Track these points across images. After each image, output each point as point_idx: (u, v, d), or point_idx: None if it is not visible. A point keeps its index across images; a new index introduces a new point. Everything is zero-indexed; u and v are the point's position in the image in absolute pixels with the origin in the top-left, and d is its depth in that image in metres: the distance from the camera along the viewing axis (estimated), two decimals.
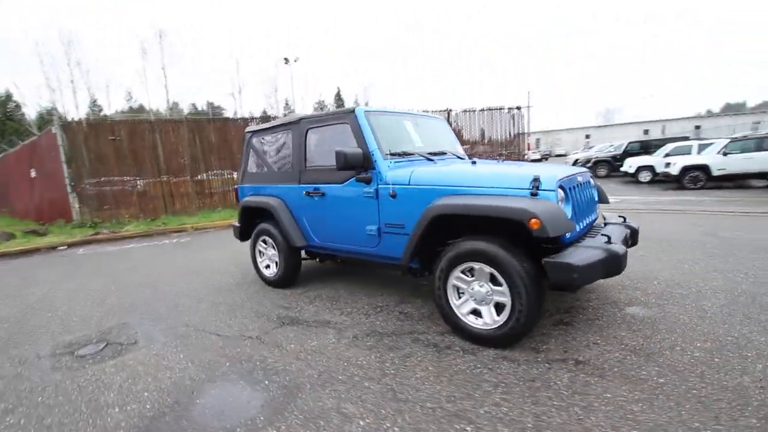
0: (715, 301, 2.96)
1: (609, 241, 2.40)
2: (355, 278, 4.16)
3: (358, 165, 2.96)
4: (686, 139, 16.56)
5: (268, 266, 4.10)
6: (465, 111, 11.53)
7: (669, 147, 13.86)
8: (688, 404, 1.83)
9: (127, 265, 5.58)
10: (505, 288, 2.33)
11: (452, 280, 2.57)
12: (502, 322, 2.37)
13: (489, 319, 2.45)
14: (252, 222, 4.22)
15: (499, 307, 2.43)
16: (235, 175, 10.58)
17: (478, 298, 2.48)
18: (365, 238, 3.16)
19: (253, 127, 4.26)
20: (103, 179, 9.25)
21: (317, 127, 3.45)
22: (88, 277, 5.07)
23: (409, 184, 2.84)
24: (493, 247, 2.33)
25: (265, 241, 4.05)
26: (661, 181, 12.54)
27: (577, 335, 2.57)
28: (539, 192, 2.31)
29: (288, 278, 3.91)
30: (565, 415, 1.80)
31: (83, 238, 7.75)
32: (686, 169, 11.29)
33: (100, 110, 38.18)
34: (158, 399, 2.18)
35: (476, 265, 2.43)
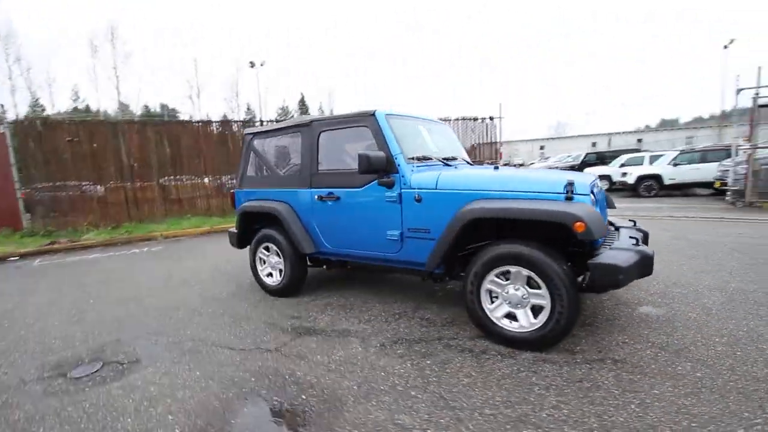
0: (714, 299, 3.17)
1: (637, 243, 2.50)
2: (363, 285, 4.06)
3: (381, 168, 2.90)
4: (638, 151, 17.93)
5: (270, 274, 3.90)
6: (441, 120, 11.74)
7: (624, 158, 14.96)
8: (731, 396, 1.92)
9: (96, 277, 5.09)
10: (544, 290, 2.35)
11: (486, 284, 2.56)
12: (540, 325, 2.39)
13: (525, 322, 2.46)
14: (251, 228, 4.01)
15: (535, 310, 2.45)
16: (207, 181, 10.07)
17: (514, 301, 2.49)
18: (385, 244, 3.09)
19: (254, 128, 4.07)
20: (58, 184, 8.44)
21: (331, 129, 3.35)
22: (53, 290, 4.57)
23: (436, 188, 2.82)
24: (533, 250, 2.35)
25: (267, 248, 3.86)
26: (618, 189, 13.45)
27: (604, 335, 2.64)
28: (574, 196, 2.38)
29: (293, 287, 3.74)
30: (625, 414, 1.83)
31: (38, 248, 7.00)
32: (641, 179, 12.23)
33: (43, 110, 35.07)
34: (187, 422, 1.97)
35: (513, 269, 2.44)
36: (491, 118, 11.92)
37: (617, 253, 2.35)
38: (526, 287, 2.44)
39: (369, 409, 2.00)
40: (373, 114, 3.09)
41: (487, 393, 2.07)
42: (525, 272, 2.40)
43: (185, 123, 11.75)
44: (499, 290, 2.55)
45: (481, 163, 11.99)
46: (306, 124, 3.50)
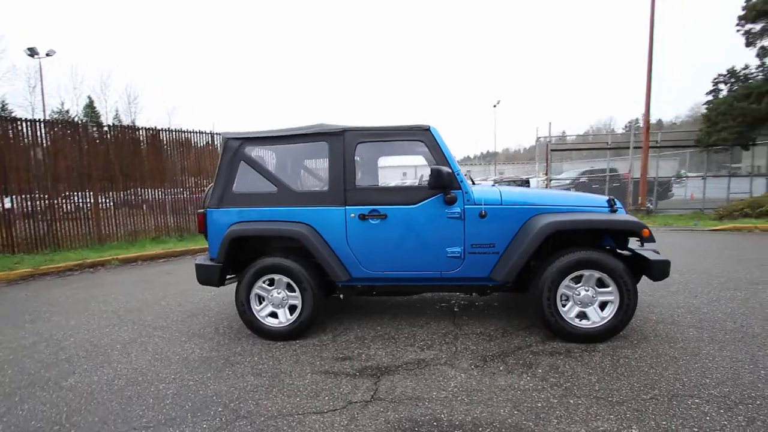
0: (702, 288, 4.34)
1: (655, 251, 3.20)
2: (365, 312, 3.70)
3: (448, 185, 2.85)
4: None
5: (273, 314, 3.11)
6: None
7: None
8: None
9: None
10: (613, 288, 2.78)
11: (561, 289, 2.83)
12: (610, 318, 2.81)
13: (596, 317, 2.83)
14: (236, 258, 3.14)
15: (602, 306, 2.86)
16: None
17: (585, 301, 2.84)
18: (444, 262, 2.99)
19: (242, 133, 3.22)
20: None
21: (372, 141, 3.04)
22: None
23: (501, 204, 2.96)
24: (606, 255, 2.77)
25: (270, 282, 3.09)
26: None
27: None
28: (617, 209, 2.95)
29: (309, 326, 3.10)
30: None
31: None
32: None
33: None
34: None
35: (587, 272, 2.80)
36: None
37: (652, 253, 3.00)
38: (596, 287, 2.84)
39: (562, 429, 1.94)
40: (428, 129, 3.00)
41: (638, 383, 2.28)
42: (597, 275, 2.79)
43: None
44: (570, 293, 2.86)
45: None
46: (335, 133, 3.05)
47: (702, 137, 11.38)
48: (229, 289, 4.52)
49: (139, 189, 9.04)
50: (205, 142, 9.99)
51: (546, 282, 2.81)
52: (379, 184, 3.07)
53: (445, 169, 2.80)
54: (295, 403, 2.23)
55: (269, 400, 2.26)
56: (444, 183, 2.80)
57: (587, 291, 2.84)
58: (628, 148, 13.64)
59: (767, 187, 11.92)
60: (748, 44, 11.58)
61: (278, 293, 3.09)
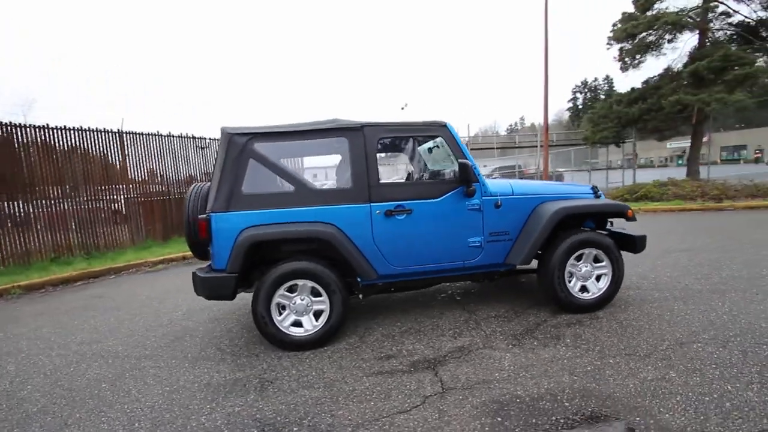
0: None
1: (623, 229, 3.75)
2: (372, 310, 3.65)
3: (471, 178, 3.00)
4: None
5: (296, 323, 2.90)
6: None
7: None
8: None
9: None
10: (606, 262, 3.22)
11: (568, 267, 3.19)
12: (605, 289, 3.24)
13: (595, 289, 3.25)
14: (248, 267, 2.86)
15: (597, 279, 3.28)
16: None
17: (586, 276, 3.24)
18: (466, 252, 3.13)
19: (248, 128, 2.89)
20: None
21: (394, 137, 3.03)
22: None
23: (512, 195, 3.21)
24: (601, 235, 3.20)
25: (292, 289, 2.87)
26: None
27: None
28: (600, 194, 3.43)
29: (337, 330, 2.97)
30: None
31: None
32: None
33: None
34: None
35: (587, 251, 3.20)
36: None
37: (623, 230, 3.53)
38: (593, 263, 3.25)
39: (620, 383, 2.21)
40: (445, 125, 3.10)
41: (637, 339, 2.69)
42: (595, 252, 3.21)
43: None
44: (573, 270, 3.23)
45: None
46: (354, 128, 2.96)
47: (589, 136, 13.61)
48: (199, 304, 4.07)
49: (28, 200, 7.38)
50: (114, 142, 8.56)
51: (556, 262, 3.14)
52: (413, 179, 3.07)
53: (470, 162, 2.94)
54: (372, 408, 2.14)
55: (343, 410, 2.14)
56: (469, 177, 2.95)
57: (587, 267, 3.24)
58: (515, 147, 15.64)
59: (633, 178, 14.74)
60: (623, 67, 13.97)
61: (301, 300, 2.89)
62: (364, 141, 2.97)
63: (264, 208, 2.86)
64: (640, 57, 13.95)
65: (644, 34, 12.84)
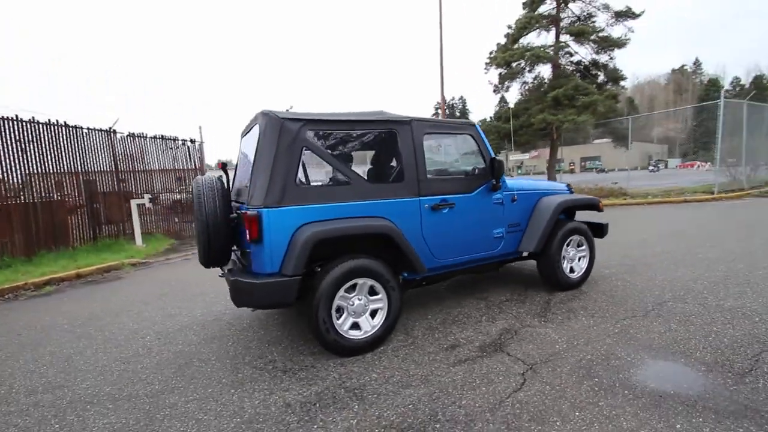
0: None
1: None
2: None
3: (499, 174, 3.29)
4: None
5: (355, 325, 2.71)
6: (136, 136, 9.08)
7: None
8: None
9: None
10: (585, 246, 3.90)
11: (562, 252, 3.74)
12: (585, 268, 3.90)
13: (578, 269, 3.88)
14: (309, 267, 2.57)
15: (579, 260, 3.93)
16: None
17: (573, 258, 3.85)
18: (491, 242, 3.40)
19: (298, 114, 2.55)
20: None
21: (436, 133, 3.09)
22: None
23: (522, 190, 3.62)
24: (582, 223, 3.85)
25: (352, 288, 2.68)
26: None
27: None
28: (572, 191, 4.13)
29: (392, 329, 2.89)
30: None
31: None
32: None
33: None
34: None
35: (575, 237, 3.81)
36: (192, 141, 10.58)
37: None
38: (576, 247, 3.89)
39: (641, 338, 2.76)
40: (474, 124, 3.31)
41: (632, 305, 3.36)
42: (578, 238, 3.85)
43: None
44: (565, 254, 3.81)
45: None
46: (404, 121, 2.92)
47: None
48: (168, 325, 3.42)
49: None
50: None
51: (556, 248, 3.66)
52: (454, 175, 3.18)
53: (501, 160, 3.22)
54: (486, 392, 2.22)
55: (465, 399, 2.15)
56: (498, 173, 3.22)
57: (573, 251, 3.87)
58: None
59: None
60: (495, 89, 16.42)
61: (359, 300, 2.73)
62: (412, 135, 2.97)
63: (318, 202, 2.60)
64: (508, 82, 16.71)
65: (515, 63, 15.39)
